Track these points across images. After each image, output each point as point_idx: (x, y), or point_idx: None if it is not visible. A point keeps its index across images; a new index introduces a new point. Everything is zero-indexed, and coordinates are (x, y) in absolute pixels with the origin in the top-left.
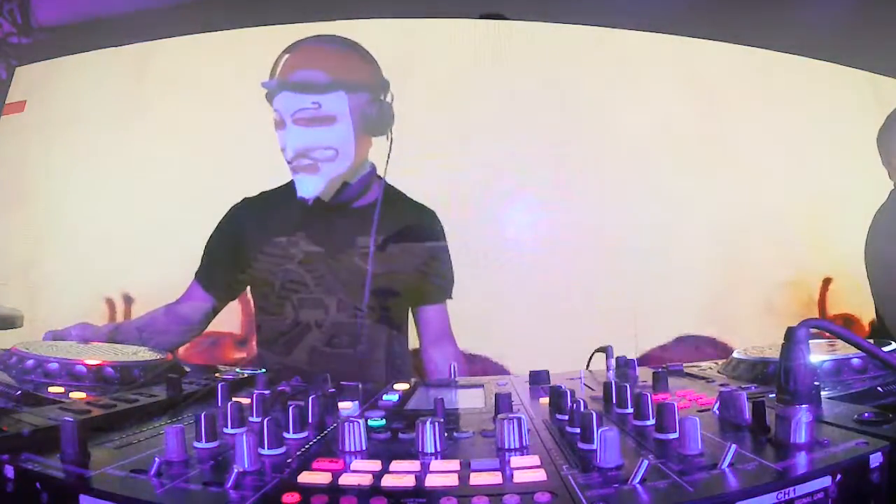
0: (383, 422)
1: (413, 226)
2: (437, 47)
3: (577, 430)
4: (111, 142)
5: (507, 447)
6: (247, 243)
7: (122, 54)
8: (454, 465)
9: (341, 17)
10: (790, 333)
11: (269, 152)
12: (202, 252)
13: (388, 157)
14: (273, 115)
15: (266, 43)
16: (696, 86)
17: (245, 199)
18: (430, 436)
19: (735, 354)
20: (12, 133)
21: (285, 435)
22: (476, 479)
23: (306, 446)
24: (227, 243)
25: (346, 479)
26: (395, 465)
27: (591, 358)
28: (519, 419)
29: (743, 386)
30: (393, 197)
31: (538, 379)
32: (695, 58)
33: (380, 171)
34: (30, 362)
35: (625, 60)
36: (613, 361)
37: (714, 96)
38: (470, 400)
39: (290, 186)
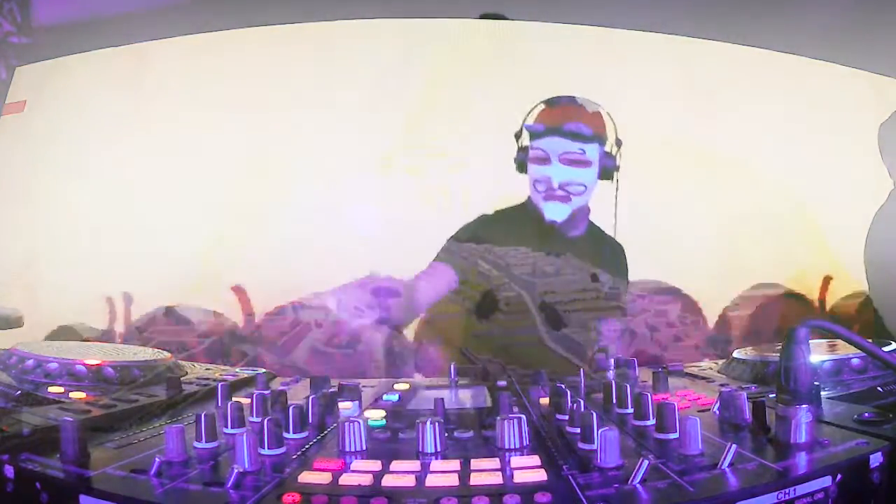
0: (383, 422)
1: (609, 260)
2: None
3: (577, 430)
4: (112, 142)
5: (507, 447)
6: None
7: (121, 54)
8: (454, 465)
9: (342, 17)
10: (790, 333)
11: (270, 152)
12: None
13: (616, 198)
14: (533, 153)
15: (266, 43)
16: (695, 85)
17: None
18: (430, 436)
19: (735, 354)
20: (12, 133)
21: (285, 435)
22: (476, 479)
23: (306, 446)
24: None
25: (346, 479)
26: (396, 465)
27: (591, 358)
28: (519, 419)
29: (743, 386)
30: (596, 232)
31: (538, 379)
32: (694, 57)
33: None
34: (30, 362)
35: (624, 60)
36: (613, 361)
37: (713, 96)
38: (470, 400)
39: (526, 208)
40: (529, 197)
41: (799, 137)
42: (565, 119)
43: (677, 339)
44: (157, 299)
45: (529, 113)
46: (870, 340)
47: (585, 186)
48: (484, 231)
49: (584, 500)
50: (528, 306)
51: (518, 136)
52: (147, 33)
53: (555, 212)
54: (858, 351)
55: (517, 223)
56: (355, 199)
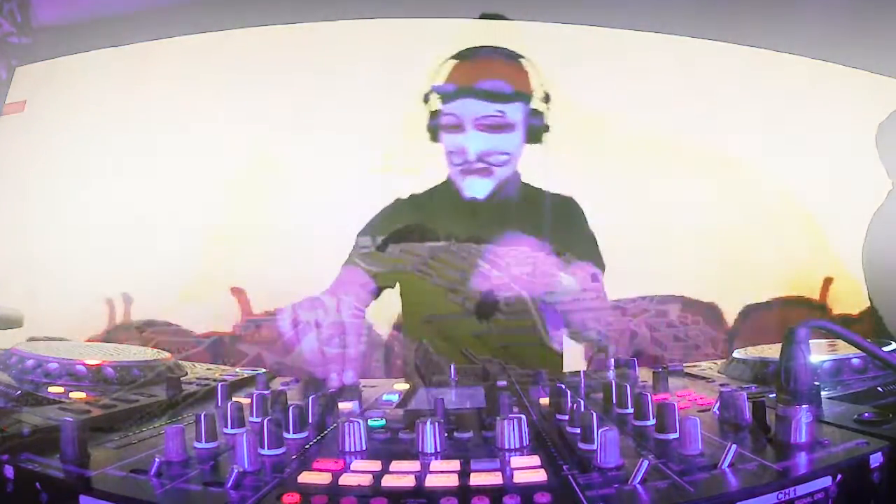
0: (383, 422)
1: (560, 219)
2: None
3: (578, 430)
4: (113, 142)
5: (507, 447)
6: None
7: (123, 54)
8: (454, 465)
9: (342, 17)
10: (790, 333)
11: (271, 152)
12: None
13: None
14: (445, 119)
15: (268, 43)
16: (695, 85)
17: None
18: (430, 436)
19: (735, 354)
20: (12, 132)
21: (285, 435)
22: (476, 479)
23: (306, 446)
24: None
25: (346, 480)
26: (395, 465)
27: (591, 358)
28: (519, 419)
29: (743, 386)
30: (532, 194)
31: (538, 379)
32: (693, 57)
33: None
34: (30, 362)
35: (625, 60)
36: (613, 361)
37: (712, 96)
38: (470, 400)
39: (448, 187)
40: (449, 174)
41: (799, 137)
42: (479, 75)
43: (677, 339)
44: (158, 298)
45: (438, 71)
46: (870, 340)
47: (509, 154)
48: (400, 218)
49: (584, 500)
50: (528, 306)
51: (426, 99)
52: (147, 33)
53: (474, 188)
54: (858, 351)
55: (437, 205)
56: (355, 199)
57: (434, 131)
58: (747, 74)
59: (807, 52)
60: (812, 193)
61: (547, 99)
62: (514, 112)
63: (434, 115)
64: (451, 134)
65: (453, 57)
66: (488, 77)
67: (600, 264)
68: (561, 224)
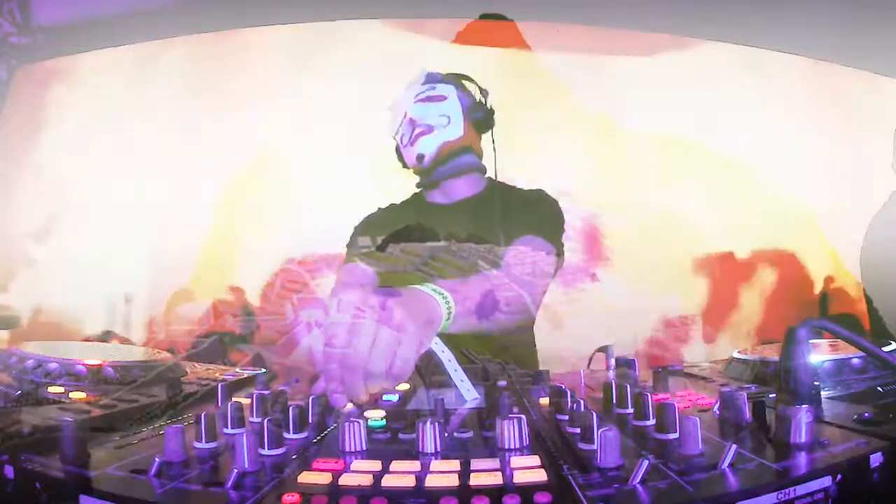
0: (383, 422)
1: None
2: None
3: (578, 430)
4: (114, 142)
5: (507, 447)
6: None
7: (124, 54)
8: (454, 465)
9: (341, 17)
10: (791, 333)
11: (271, 153)
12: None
13: (495, 156)
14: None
15: (270, 42)
16: (695, 85)
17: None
18: (430, 436)
19: (735, 354)
20: (12, 131)
21: (285, 435)
22: (476, 479)
23: (306, 446)
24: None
25: (346, 480)
26: (396, 465)
27: (591, 358)
28: (519, 419)
29: (743, 386)
30: (499, 189)
31: (538, 379)
32: (693, 57)
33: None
34: (30, 362)
35: (624, 58)
36: (613, 361)
37: (712, 96)
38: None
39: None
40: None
41: (799, 138)
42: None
43: (678, 339)
44: (160, 298)
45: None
46: (869, 340)
47: (449, 118)
48: (386, 224)
49: (584, 500)
50: (528, 306)
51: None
52: (147, 33)
53: (420, 147)
54: (858, 351)
55: (410, 210)
56: (357, 198)
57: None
58: (747, 74)
59: (807, 52)
60: (813, 194)
61: (485, 93)
62: (445, 88)
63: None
64: (399, 126)
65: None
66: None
67: (557, 251)
68: (526, 217)
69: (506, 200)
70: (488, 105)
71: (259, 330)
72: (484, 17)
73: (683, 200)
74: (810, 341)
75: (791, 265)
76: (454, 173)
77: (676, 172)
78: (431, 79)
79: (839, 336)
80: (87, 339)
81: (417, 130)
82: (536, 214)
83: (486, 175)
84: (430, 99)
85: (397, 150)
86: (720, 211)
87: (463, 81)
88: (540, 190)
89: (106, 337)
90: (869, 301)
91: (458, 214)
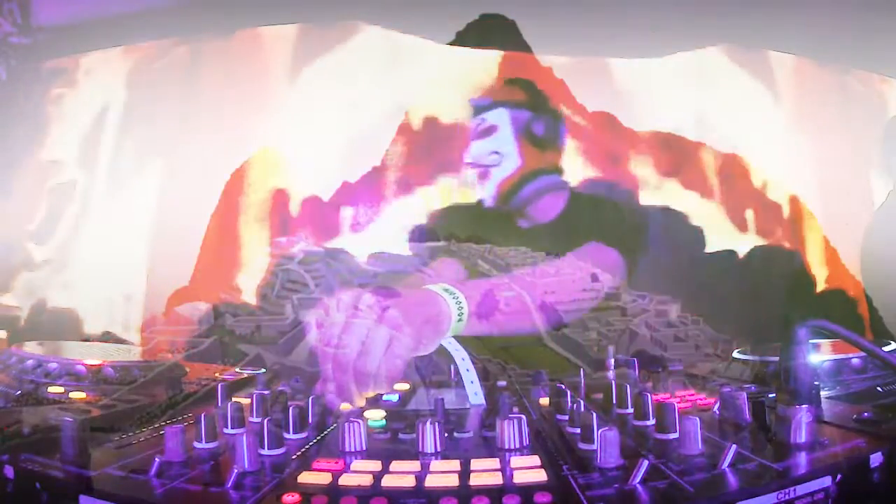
0: (383, 422)
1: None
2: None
3: (577, 430)
4: (114, 142)
5: (507, 447)
6: None
7: (126, 53)
8: (454, 465)
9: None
10: (791, 333)
11: (272, 153)
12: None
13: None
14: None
15: (272, 43)
16: (696, 85)
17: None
18: (430, 436)
19: (735, 354)
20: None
21: (285, 435)
22: (476, 479)
23: (306, 446)
24: None
25: (346, 480)
26: (395, 465)
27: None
28: (519, 419)
29: (743, 386)
30: (581, 202)
31: (538, 379)
32: (694, 57)
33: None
34: (30, 362)
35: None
36: (613, 361)
37: (713, 96)
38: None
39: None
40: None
41: (799, 138)
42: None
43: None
44: (160, 297)
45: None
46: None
47: (500, 154)
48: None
49: (584, 500)
50: (528, 306)
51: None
52: (148, 33)
53: (480, 191)
54: (858, 351)
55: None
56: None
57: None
58: (748, 74)
59: (807, 52)
60: (813, 193)
61: (557, 114)
62: (495, 116)
63: None
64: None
65: None
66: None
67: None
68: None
69: (591, 214)
70: (559, 122)
71: (259, 330)
72: (484, 17)
73: (683, 200)
74: (810, 341)
75: (791, 265)
76: (524, 205)
77: (676, 172)
78: (479, 108)
79: (839, 336)
80: (86, 339)
81: (476, 174)
82: (619, 227)
83: (568, 187)
84: (480, 135)
85: None
86: (720, 211)
87: (518, 91)
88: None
89: (106, 337)
90: (869, 301)
91: (547, 237)
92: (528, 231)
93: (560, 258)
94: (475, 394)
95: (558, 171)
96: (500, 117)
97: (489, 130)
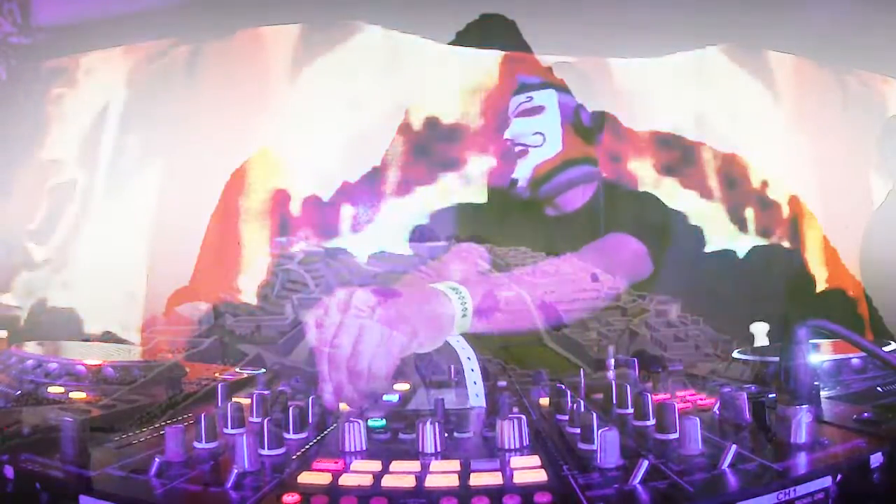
0: (383, 422)
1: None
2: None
3: (577, 431)
4: (114, 142)
5: (507, 447)
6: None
7: (127, 53)
8: (454, 465)
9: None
10: (791, 333)
11: (273, 153)
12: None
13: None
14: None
15: (269, 43)
16: (696, 85)
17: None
18: (430, 436)
19: (735, 354)
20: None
21: (285, 435)
22: (476, 479)
23: (306, 446)
24: None
25: (346, 480)
26: (396, 465)
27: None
28: (519, 419)
29: (743, 386)
30: (610, 195)
31: (538, 379)
32: (693, 57)
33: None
34: (30, 362)
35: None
36: (613, 361)
37: (713, 96)
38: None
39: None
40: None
41: (799, 138)
42: (514, 72)
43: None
44: (157, 299)
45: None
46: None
47: (544, 135)
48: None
49: (584, 500)
50: (528, 306)
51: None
52: (148, 33)
53: (516, 170)
54: (858, 351)
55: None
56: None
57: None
58: (749, 74)
59: (808, 53)
60: (813, 194)
61: (595, 119)
62: (543, 97)
63: None
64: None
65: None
66: (521, 73)
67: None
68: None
69: (616, 207)
70: (600, 116)
71: (259, 330)
72: (484, 17)
73: (683, 200)
74: (810, 341)
75: (791, 265)
76: (558, 192)
77: (675, 172)
78: (526, 86)
79: (839, 336)
80: (86, 339)
81: (515, 151)
82: (644, 222)
83: (600, 179)
84: (525, 113)
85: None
86: (720, 210)
87: (552, 80)
88: (651, 194)
89: (106, 337)
90: (868, 301)
91: (569, 226)
92: (556, 219)
93: (559, 258)
94: (476, 395)
95: (595, 162)
96: (548, 99)
97: (536, 110)
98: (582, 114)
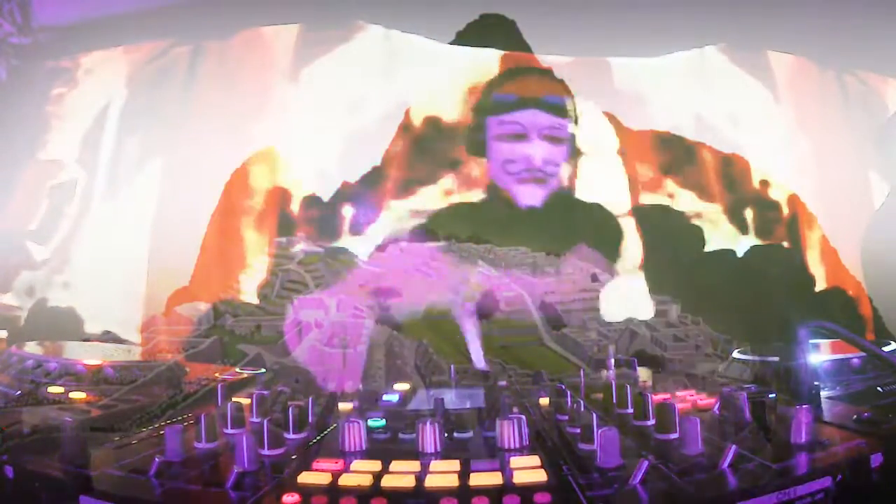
0: (383, 422)
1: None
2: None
3: (577, 430)
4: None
5: (507, 447)
6: None
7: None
8: (454, 465)
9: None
10: (791, 333)
11: (272, 154)
12: None
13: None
14: (507, 128)
15: (270, 43)
16: (696, 85)
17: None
18: (430, 436)
19: (735, 355)
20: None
21: (285, 435)
22: (476, 479)
23: (306, 446)
24: None
25: (346, 480)
26: (395, 465)
27: (591, 357)
28: (519, 419)
29: (743, 386)
30: (562, 199)
31: (538, 379)
32: (694, 57)
33: None
34: (30, 362)
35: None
36: (613, 361)
37: (713, 96)
38: (470, 400)
39: (490, 196)
40: (492, 181)
41: (799, 138)
42: (544, 89)
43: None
44: (157, 299)
45: (491, 85)
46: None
47: (559, 166)
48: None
49: (583, 500)
50: (528, 306)
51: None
52: (148, 34)
53: (531, 196)
54: (858, 351)
55: (480, 216)
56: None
57: (478, 144)
58: (749, 75)
59: (808, 54)
60: (813, 193)
61: (577, 121)
62: (569, 128)
63: (475, 129)
64: (511, 143)
65: (504, 73)
66: (553, 92)
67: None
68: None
69: (570, 211)
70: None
71: (259, 330)
72: (484, 17)
73: (683, 200)
74: (810, 341)
75: (791, 265)
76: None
77: (675, 172)
78: (560, 109)
79: (840, 336)
80: (86, 339)
81: (536, 174)
82: (601, 230)
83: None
84: (558, 141)
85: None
86: (720, 210)
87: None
88: (600, 205)
89: (106, 337)
90: (870, 300)
91: (525, 223)
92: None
93: (560, 258)
94: (478, 360)
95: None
96: (572, 128)
97: (565, 139)
98: (573, 140)
